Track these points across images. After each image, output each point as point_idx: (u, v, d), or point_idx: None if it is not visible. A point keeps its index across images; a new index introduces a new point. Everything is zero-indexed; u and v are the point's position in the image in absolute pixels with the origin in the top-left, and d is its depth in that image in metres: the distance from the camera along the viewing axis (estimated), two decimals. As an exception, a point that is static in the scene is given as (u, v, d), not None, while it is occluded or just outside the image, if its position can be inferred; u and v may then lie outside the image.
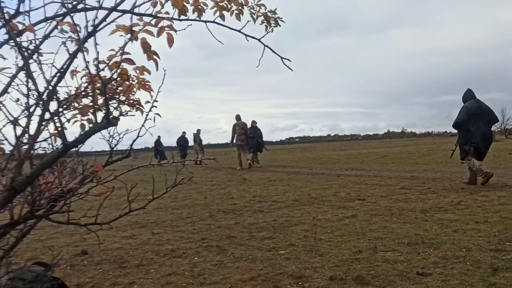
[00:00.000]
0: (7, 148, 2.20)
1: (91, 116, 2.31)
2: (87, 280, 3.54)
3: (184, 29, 2.17)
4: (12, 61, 2.08)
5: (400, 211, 5.82)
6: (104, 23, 2.06)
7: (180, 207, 7.30)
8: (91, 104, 2.28)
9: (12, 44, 1.99)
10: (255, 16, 2.77)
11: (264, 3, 2.75)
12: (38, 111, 2.06)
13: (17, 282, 2.31)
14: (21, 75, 2.09)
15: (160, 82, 2.30)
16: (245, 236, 4.83)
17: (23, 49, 2.01)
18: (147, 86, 2.45)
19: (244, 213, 6.39)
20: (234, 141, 16.54)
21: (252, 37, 2.61)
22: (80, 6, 2.07)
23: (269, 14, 2.81)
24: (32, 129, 2.07)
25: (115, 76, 2.14)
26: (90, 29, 2.01)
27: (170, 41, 2.02)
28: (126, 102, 2.57)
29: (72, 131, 2.19)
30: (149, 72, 2.27)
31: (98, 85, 2.15)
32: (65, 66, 2.16)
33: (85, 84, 2.39)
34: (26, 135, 2.09)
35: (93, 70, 2.08)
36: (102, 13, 2.07)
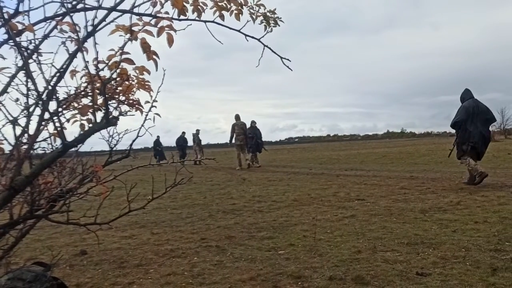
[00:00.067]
0: (7, 148, 2.20)
1: (90, 116, 2.31)
2: (86, 280, 3.54)
3: (184, 29, 2.17)
4: (12, 61, 2.08)
5: (399, 211, 5.82)
6: (104, 23, 2.06)
7: (180, 207, 7.30)
8: (90, 104, 2.28)
9: (12, 44, 1.99)
10: (254, 16, 2.77)
11: (263, 3, 2.75)
12: (38, 111, 2.06)
13: (16, 282, 2.31)
14: (21, 75, 2.09)
15: (160, 82, 2.30)
16: (245, 236, 4.83)
17: (23, 49, 2.01)
18: (146, 86, 2.45)
19: (244, 213, 6.39)
20: (233, 141, 16.55)
21: (252, 37, 2.62)
22: (80, 6, 2.07)
23: (268, 14, 2.82)
24: (32, 129, 2.07)
25: (114, 76, 2.14)
26: (89, 29, 2.01)
27: (170, 41, 2.02)
28: (125, 102, 2.57)
29: (72, 131, 2.19)
30: (148, 72, 2.27)
31: (98, 85, 2.15)
32: (64, 66, 2.16)
33: (85, 84, 2.39)
34: (26, 135, 2.09)
35: (92, 70, 2.08)
36: (101, 13, 2.07)
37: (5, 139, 2.16)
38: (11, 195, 1.92)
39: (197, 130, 24.22)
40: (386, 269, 3.42)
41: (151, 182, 2.29)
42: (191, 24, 2.23)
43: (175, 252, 4.28)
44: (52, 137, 2.21)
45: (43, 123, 2.06)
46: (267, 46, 2.63)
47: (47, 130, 2.16)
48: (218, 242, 4.59)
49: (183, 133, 24.47)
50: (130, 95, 2.55)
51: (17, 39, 1.98)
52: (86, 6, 2.06)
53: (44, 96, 2.05)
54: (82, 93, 2.41)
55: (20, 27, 1.98)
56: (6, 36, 1.99)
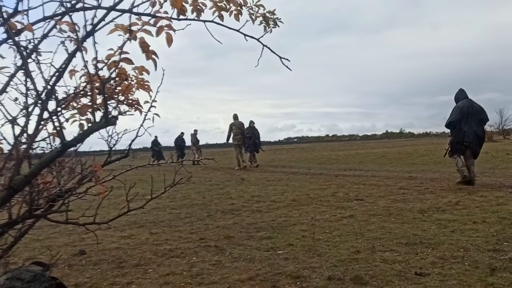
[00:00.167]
0: (6, 147, 2.19)
1: (89, 116, 2.31)
2: (85, 280, 3.54)
3: (183, 29, 2.18)
4: (11, 60, 2.08)
5: (398, 211, 5.83)
6: (103, 22, 2.06)
7: (179, 207, 7.30)
8: (89, 103, 2.28)
9: (11, 43, 1.99)
10: (253, 17, 2.77)
11: (262, 4, 2.75)
12: (37, 110, 2.06)
13: (15, 282, 2.31)
14: (20, 74, 2.09)
15: (159, 82, 2.30)
16: (244, 236, 4.83)
17: (22, 48, 2.00)
18: (146, 86, 2.45)
19: (243, 213, 6.39)
20: (231, 140, 16.55)
21: (251, 37, 2.62)
22: (79, 5, 2.06)
23: (268, 14, 2.82)
24: (31, 129, 2.07)
25: (113, 75, 2.14)
26: (89, 28, 2.01)
27: (169, 41, 2.02)
28: (125, 102, 2.56)
29: (71, 131, 2.19)
30: (148, 72, 2.27)
31: (97, 84, 2.14)
32: (63, 66, 2.16)
33: (84, 84, 2.39)
34: (25, 134, 2.09)
35: (91, 70, 2.08)
36: (100, 13, 2.07)
37: (4, 138, 2.16)
38: (10, 194, 1.92)
39: (195, 130, 24.30)
40: (385, 269, 3.43)
41: (150, 182, 2.29)
42: (190, 24, 2.23)
43: (174, 252, 4.28)
44: (51, 137, 2.20)
45: (42, 122, 2.06)
46: (266, 46, 2.64)
47: (46, 130, 2.16)
48: (217, 242, 4.60)
49: (182, 133, 24.51)
50: (129, 95, 2.55)
51: (16, 38, 1.98)
52: (85, 5, 2.06)
53: (43, 95, 2.05)
54: (81, 92, 2.41)
55: (19, 26, 1.98)
56: (5, 36, 1.99)
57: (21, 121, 2.11)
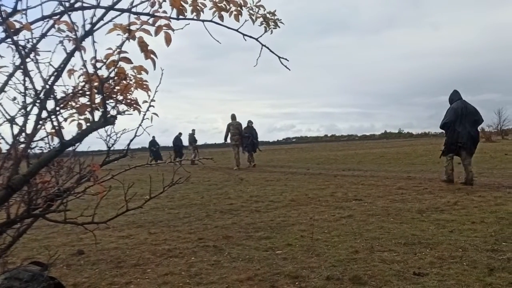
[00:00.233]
0: (4, 147, 2.19)
1: (88, 115, 2.31)
2: (83, 280, 3.54)
3: (182, 28, 2.17)
4: (9, 59, 2.08)
5: (397, 212, 5.83)
6: (102, 22, 2.06)
7: (177, 207, 7.29)
8: (88, 103, 2.28)
9: (9, 42, 1.99)
10: (254, 17, 2.77)
11: (263, 4, 2.75)
12: (35, 110, 2.06)
13: (13, 281, 2.30)
14: (18, 73, 2.09)
15: (158, 81, 2.30)
16: (242, 236, 4.83)
17: (20, 48, 2.00)
18: (144, 86, 2.45)
19: (241, 213, 6.39)
20: (228, 140, 16.59)
21: (250, 37, 2.62)
22: (78, 4, 2.06)
23: (268, 15, 2.82)
24: (29, 128, 2.07)
25: (112, 75, 2.13)
26: (87, 27, 2.01)
27: (168, 40, 2.02)
28: (123, 102, 2.56)
29: (69, 131, 2.19)
30: (146, 72, 2.26)
31: (96, 84, 2.14)
32: (62, 65, 2.16)
33: (83, 83, 2.38)
34: (23, 134, 2.08)
35: (90, 69, 2.08)
36: (99, 12, 2.06)
37: (3, 138, 2.16)
38: (8, 194, 1.92)
39: (193, 130, 24.35)
40: (383, 269, 3.43)
41: (148, 181, 2.28)
42: (189, 24, 2.23)
43: (172, 252, 4.28)
44: (50, 136, 2.20)
45: (40, 122, 2.06)
46: (265, 46, 2.64)
47: (45, 129, 2.15)
48: (216, 242, 4.59)
49: (180, 133, 24.52)
50: (128, 94, 2.54)
51: (15, 37, 1.97)
52: (84, 5, 2.05)
53: (41, 95, 2.05)
54: (80, 92, 2.41)
55: (17, 25, 1.98)
56: (3, 35, 1.98)
57: (20, 120, 2.11)
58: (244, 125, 17.00)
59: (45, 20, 2.09)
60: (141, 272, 3.69)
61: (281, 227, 5.20)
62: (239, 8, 2.54)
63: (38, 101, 2.04)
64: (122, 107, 2.58)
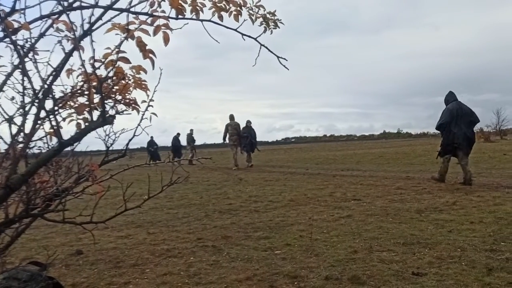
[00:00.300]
0: (2, 146, 2.19)
1: (87, 115, 2.31)
2: (82, 280, 3.53)
3: (180, 28, 2.17)
4: (8, 59, 2.08)
5: (395, 211, 5.83)
6: (100, 21, 2.06)
7: (176, 207, 7.29)
8: (87, 102, 2.27)
9: (8, 42, 1.99)
10: (253, 18, 2.77)
11: (262, 4, 2.75)
12: (34, 109, 2.06)
13: (11, 281, 2.29)
14: (17, 73, 2.09)
15: (157, 81, 2.30)
16: (241, 236, 4.83)
17: (19, 47, 2.00)
18: (143, 86, 2.45)
19: (240, 213, 6.39)
20: (227, 140, 16.63)
21: (249, 36, 2.62)
22: (76, 4, 2.06)
23: (268, 15, 2.82)
24: (28, 128, 2.06)
25: (111, 74, 2.13)
26: (86, 27, 2.00)
27: (166, 40, 2.02)
28: (122, 101, 2.56)
29: (68, 130, 2.19)
30: (145, 71, 2.26)
31: (94, 83, 2.14)
32: (60, 65, 2.15)
33: (81, 83, 2.38)
34: (22, 133, 2.08)
35: (89, 69, 2.07)
36: (98, 12, 2.06)
37: (1, 137, 2.15)
38: (6, 193, 1.92)
39: (191, 130, 24.44)
40: (382, 269, 3.43)
41: (147, 181, 2.28)
42: (187, 23, 2.23)
43: (171, 252, 4.27)
44: (48, 136, 2.20)
45: (39, 121, 2.06)
46: (263, 45, 2.64)
47: (43, 129, 2.15)
48: (215, 242, 4.59)
49: (178, 134, 24.54)
50: (126, 94, 2.54)
51: (13, 37, 1.97)
52: (83, 4, 2.05)
53: (40, 94, 2.04)
54: (79, 92, 2.41)
55: (16, 25, 1.97)
56: (2, 34, 1.98)
57: (18, 120, 2.11)
58: (242, 125, 17.03)
59: (43, 20, 2.09)
60: (139, 272, 3.69)
61: (280, 227, 5.20)
62: (238, 8, 2.54)
63: (36, 100, 2.04)
64: (120, 106, 2.58)
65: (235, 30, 2.55)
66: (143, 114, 2.41)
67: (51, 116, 2.04)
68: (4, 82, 2.10)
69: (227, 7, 2.48)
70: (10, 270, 2.39)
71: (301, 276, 3.35)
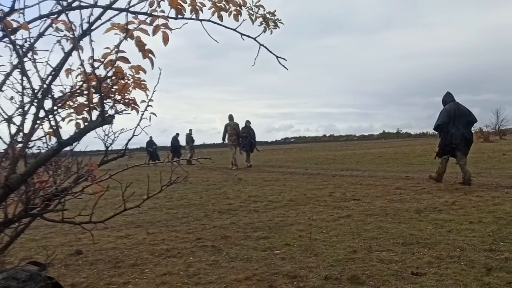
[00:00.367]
0: (1, 146, 2.19)
1: (86, 115, 2.31)
2: (81, 280, 3.53)
3: (180, 28, 2.17)
4: (7, 59, 2.07)
5: (395, 211, 5.84)
6: (100, 21, 2.06)
7: (176, 207, 7.29)
8: (86, 102, 2.27)
9: (7, 41, 1.98)
10: (253, 17, 2.77)
11: (262, 4, 2.75)
12: (33, 109, 2.06)
13: (11, 281, 2.29)
14: (16, 73, 2.09)
15: (156, 81, 2.30)
16: (241, 236, 4.83)
17: (18, 47, 2.00)
18: (142, 85, 2.45)
19: (240, 213, 6.39)
20: (226, 140, 16.67)
21: (248, 36, 2.62)
22: (75, 4, 2.06)
23: (268, 15, 2.82)
24: (27, 128, 2.06)
25: (110, 74, 2.13)
26: (85, 27, 2.00)
27: (166, 40, 2.02)
28: (121, 101, 2.56)
29: (67, 130, 2.19)
30: (144, 71, 2.26)
31: (93, 83, 2.14)
32: (60, 65, 2.15)
33: (80, 83, 2.38)
34: (21, 133, 2.08)
35: (88, 69, 2.07)
36: (97, 11, 2.06)
37: (0, 137, 2.15)
38: (5, 193, 1.92)
39: (190, 130, 24.49)
40: (382, 268, 3.43)
41: (146, 181, 2.28)
42: (186, 23, 2.23)
43: (170, 252, 4.27)
44: (47, 136, 2.20)
45: (38, 121, 2.05)
46: (262, 45, 2.64)
47: (42, 129, 2.15)
48: (214, 242, 4.59)
49: (177, 134, 24.57)
50: (126, 94, 2.54)
51: (13, 37, 1.97)
52: (82, 4, 2.05)
53: (39, 94, 2.04)
54: (78, 91, 2.41)
55: (15, 25, 1.97)
56: (1, 34, 1.98)
57: (17, 120, 2.10)
58: (241, 125, 17.05)
59: (42, 19, 2.09)
60: (139, 272, 3.69)
61: (280, 227, 5.20)
62: (238, 8, 2.54)
63: (35, 100, 2.03)
64: (120, 106, 2.58)
65: (234, 30, 2.55)
66: (143, 114, 2.41)
67: (50, 116, 2.04)
68: (3, 82, 2.09)
69: (227, 6, 2.48)
70: (9, 270, 2.39)
71: (300, 276, 3.35)
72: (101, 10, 2.06)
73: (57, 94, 2.30)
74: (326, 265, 3.59)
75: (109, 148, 2.47)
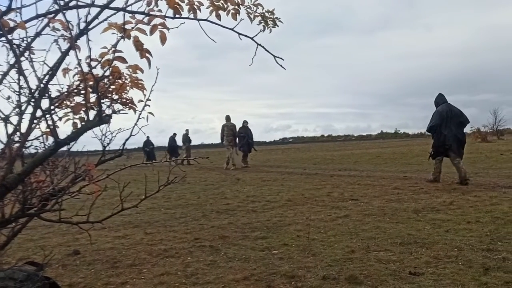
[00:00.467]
0: (-2, 146, 2.18)
1: (83, 114, 2.30)
2: (79, 280, 3.52)
3: (177, 27, 2.17)
4: (4, 58, 2.07)
5: (393, 211, 5.84)
6: (97, 20, 2.05)
7: (174, 207, 7.28)
8: (83, 102, 2.27)
9: (4, 41, 1.98)
10: (252, 16, 2.76)
11: (261, 3, 2.75)
12: (30, 109, 2.05)
13: (8, 281, 2.29)
14: (13, 72, 2.08)
15: (153, 81, 2.29)
16: (239, 236, 4.82)
17: (15, 46, 1.99)
18: (140, 85, 2.44)
19: (238, 213, 6.38)
20: (224, 141, 16.71)
21: (245, 36, 2.61)
22: (72, 3, 2.05)
23: (266, 14, 2.81)
24: (24, 127, 2.05)
25: (107, 73, 2.13)
26: (82, 26, 2.00)
27: (163, 39, 2.02)
28: (118, 101, 2.55)
29: (64, 130, 2.18)
30: (142, 71, 2.26)
31: (91, 83, 2.13)
32: (57, 64, 2.15)
33: (77, 82, 2.37)
34: (18, 133, 2.07)
35: (85, 68, 2.07)
36: (94, 11, 2.06)
37: (-3, 137, 2.14)
38: (2, 193, 1.91)
39: (186, 130, 24.53)
40: (379, 268, 3.43)
41: (144, 181, 2.28)
42: (184, 23, 2.22)
43: (168, 252, 4.27)
44: (45, 135, 2.19)
45: (35, 121, 2.05)
46: (260, 45, 2.63)
47: (39, 129, 2.14)
48: (212, 242, 4.59)
49: (174, 134, 24.59)
50: (123, 93, 2.53)
51: (9, 36, 1.96)
52: (79, 3, 2.04)
53: (36, 94, 2.04)
54: (75, 91, 2.40)
55: (12, 24, 1.97)
56: (-2, 33, 1.97)
57: (14, 119, 2.10)
58: (239, 125, 17.09)
59: (39, 19, 2.08)
60: (137, 272, 3.68)
61: (278, 227, 5.20)
62: (236, 7, 2.53)
63: (32, 100, 2.03)
64: (117, 106, 2.58)
65: (232, 29, 2.54)
66: (140, 114, 2.40)
67: (47, 116, 2.04)
68: (0, 81, 2.09)
69: (225, 5, 2.47)
70: (6, 270, 2.38)
71: (298, 276, 3.35)
72: (98, 9, 2.05)
73: (54, 93, 2.29)
74: (324, 265, 3.59)
75: (107, 148, 2.46)
